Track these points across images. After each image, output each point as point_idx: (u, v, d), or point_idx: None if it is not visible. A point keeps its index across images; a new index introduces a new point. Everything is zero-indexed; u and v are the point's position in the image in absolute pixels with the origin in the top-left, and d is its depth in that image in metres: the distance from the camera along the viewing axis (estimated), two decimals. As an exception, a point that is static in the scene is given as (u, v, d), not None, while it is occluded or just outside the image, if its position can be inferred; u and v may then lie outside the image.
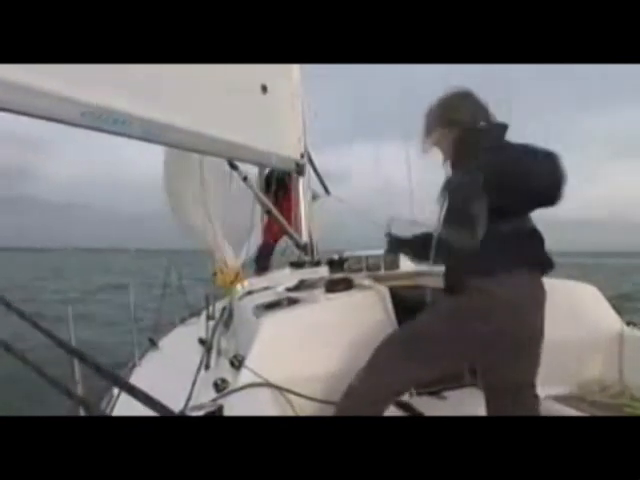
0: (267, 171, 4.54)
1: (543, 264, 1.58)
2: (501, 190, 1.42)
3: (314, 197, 4.06)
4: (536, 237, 1.59)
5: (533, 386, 1.64)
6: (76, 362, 1.85)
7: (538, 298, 1.55)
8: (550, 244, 1.60)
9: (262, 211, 4.52)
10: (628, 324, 2.28)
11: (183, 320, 3.42)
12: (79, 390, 2.04)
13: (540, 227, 1.61)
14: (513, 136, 1.61)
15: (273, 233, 4.59)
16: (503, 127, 1.63)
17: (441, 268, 2.62)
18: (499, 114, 1.70)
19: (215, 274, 3.27)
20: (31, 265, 36.11)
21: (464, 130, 1.63)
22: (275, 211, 3.77)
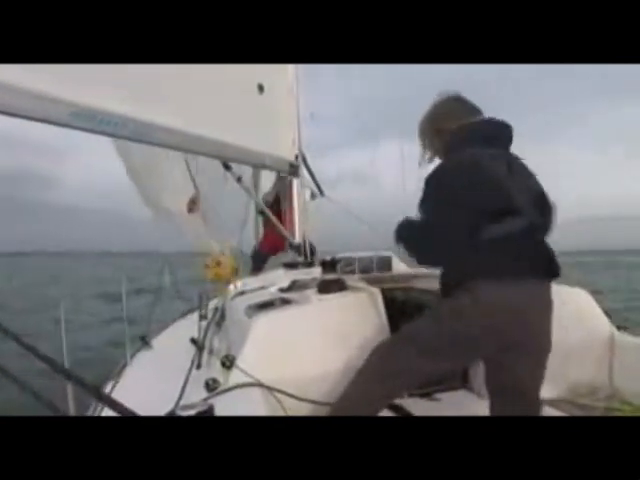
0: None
1: (543, 271, 1.54)
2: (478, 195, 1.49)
3: (312, 196, 4.04)
4: (535, 243, 1.56)
5: (534, 393, 1.62)
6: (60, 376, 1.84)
7: (535, 304, 1.52)
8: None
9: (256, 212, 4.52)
10: (619, 328, 2.30)
11: (175, 319, 3.41)
12: (70, 408, 2.02)
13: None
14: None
15: (269, 244, 4.57)
16: (492, 124, 1.66)
17: (432, 271, 2.63)
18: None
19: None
20: (44, 269, 35.94)
21: (451, 132, 1.66)
22: (268, 212, 3.77)
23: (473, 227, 1.48)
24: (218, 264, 2.86)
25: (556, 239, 1.59)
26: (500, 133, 1.65)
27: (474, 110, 1.70)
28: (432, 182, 1.58)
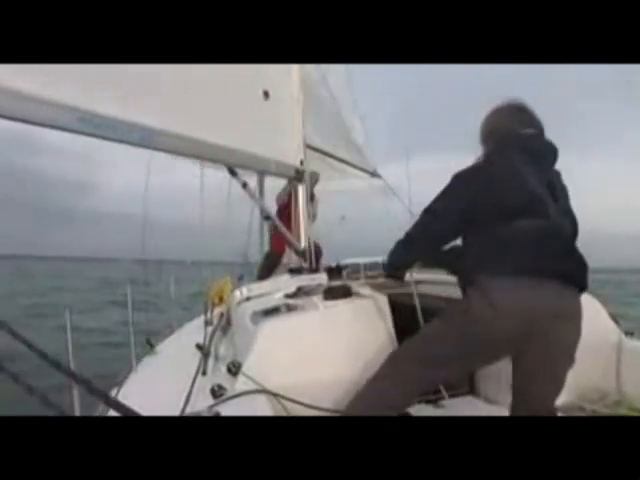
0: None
1: (559, 275, 1.48)
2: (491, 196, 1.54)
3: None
4: (551, 245, 1.51)
5: (544, 401, 1.58)
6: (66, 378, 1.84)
7: (547, 309, 1.46)
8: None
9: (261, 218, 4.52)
10: (626, 334, 2.28)
11: (181, 325, 3.41)
12: (76, 410, 2.02)
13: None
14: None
15: (280, 245, 4.56)
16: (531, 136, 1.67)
17: (438, 276, 2.62)
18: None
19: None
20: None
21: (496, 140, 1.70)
22: (274, 218, 3.76)
23: (485, 222, 1.53)
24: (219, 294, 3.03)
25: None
26: (542, 149, 1.66)
27: (528, 123, 1.69)
28: (453, 179, 1.65)
